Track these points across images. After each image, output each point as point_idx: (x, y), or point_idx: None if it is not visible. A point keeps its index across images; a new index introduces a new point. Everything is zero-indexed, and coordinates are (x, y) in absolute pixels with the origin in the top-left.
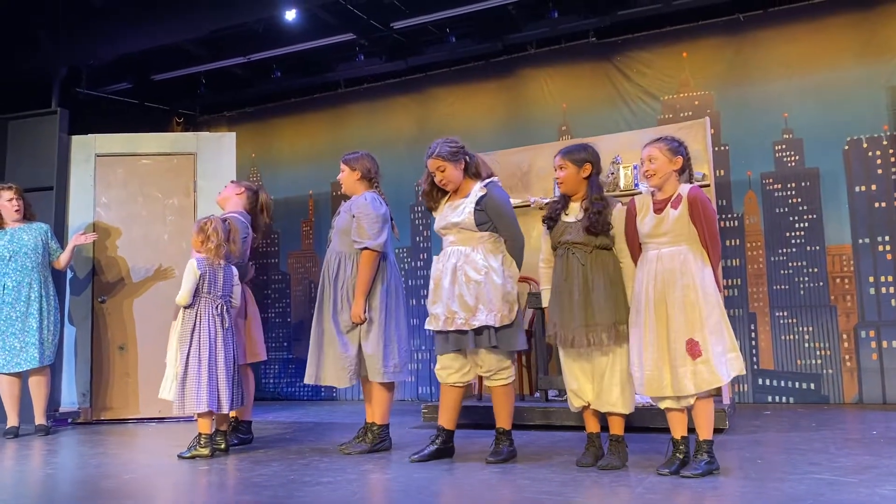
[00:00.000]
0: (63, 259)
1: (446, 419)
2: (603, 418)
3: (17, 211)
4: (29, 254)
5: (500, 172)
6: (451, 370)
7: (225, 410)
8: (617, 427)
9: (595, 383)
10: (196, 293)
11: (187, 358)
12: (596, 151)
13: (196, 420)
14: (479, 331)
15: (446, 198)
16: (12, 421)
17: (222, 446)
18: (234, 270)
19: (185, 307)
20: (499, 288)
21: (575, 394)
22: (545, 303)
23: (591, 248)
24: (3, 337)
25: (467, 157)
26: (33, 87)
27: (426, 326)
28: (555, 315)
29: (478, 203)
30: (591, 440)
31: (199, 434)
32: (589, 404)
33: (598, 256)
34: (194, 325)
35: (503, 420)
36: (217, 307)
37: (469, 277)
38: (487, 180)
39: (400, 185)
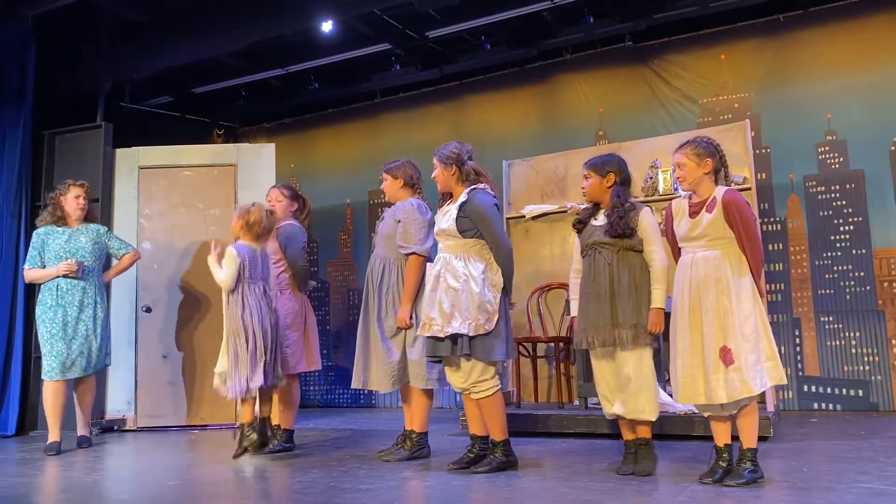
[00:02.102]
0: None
1: (474, 426)
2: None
3: (82, 209)
4: (86, 256)
5: (537, 178)
6: (456, 378)
7: (266, 384)
8: (646, 431)
9: (621, 389)
10: (238, 279)
11: (236, 340)
12: (621, 160)
13: (236, 428)
14: (454, 339)
15: (446, 204)
16: (54, 436)
17: (267, 434)
18: (269, 258)
19: (230, 292)
20: (476, 296)
21: (608, 400)
22: (574, 312)
23: (618, 248)
24: (52, 341)
25: (458, 166)
26: (79, 102)
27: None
28: (582, 319)
29: (460, 209)
30: (629, 448)
31: (242, 425)
32: None
33: (624, 256)
34: (242, 308)
35: (493, 432)
36: (260, 288)
37: (448, 285)
38: (471, 186)
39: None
